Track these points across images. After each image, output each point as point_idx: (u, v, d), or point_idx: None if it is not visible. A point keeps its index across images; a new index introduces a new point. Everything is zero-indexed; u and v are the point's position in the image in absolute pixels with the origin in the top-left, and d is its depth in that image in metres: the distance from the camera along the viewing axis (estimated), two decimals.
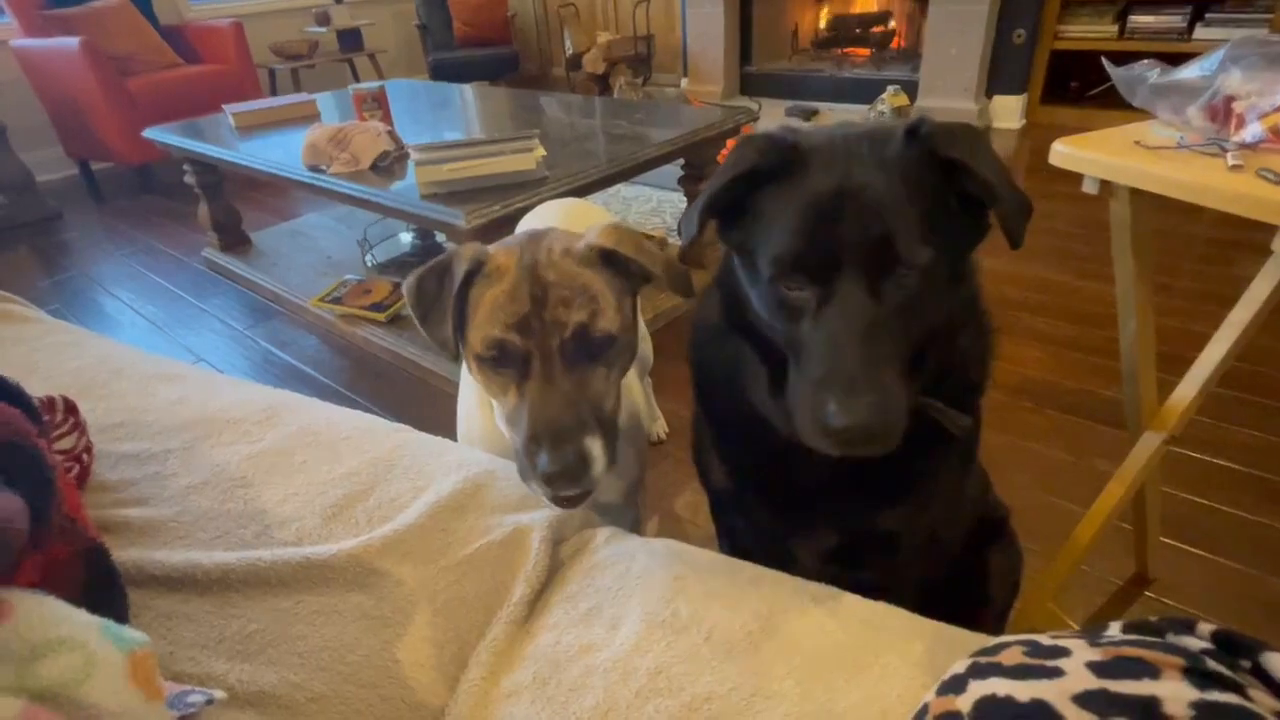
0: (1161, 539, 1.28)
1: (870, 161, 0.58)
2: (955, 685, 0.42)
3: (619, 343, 0.70)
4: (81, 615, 0.38)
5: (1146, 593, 1.24)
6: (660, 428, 1.70)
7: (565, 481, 0.62)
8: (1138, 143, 0.80)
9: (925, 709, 0.44)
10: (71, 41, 3.25)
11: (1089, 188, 0.83)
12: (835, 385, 0.55)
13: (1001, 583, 0.97)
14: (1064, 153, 0.81)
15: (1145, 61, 0.86)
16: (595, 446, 0.64)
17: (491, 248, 0.72)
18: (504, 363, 0.67)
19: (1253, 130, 0.73)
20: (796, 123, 3.94)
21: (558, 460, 0.61)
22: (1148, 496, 1.15)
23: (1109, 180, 0.80)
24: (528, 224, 1.19)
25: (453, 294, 0.68)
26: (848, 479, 0.69)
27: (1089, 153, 0.79)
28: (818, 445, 0.56)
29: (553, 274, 0.68)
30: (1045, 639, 0.42)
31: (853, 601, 0.59)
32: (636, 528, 1.10)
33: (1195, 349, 0.90)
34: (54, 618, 0.36)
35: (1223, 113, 0.76)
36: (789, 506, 0.73)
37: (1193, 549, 1.31)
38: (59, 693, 0.33)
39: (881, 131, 0.61)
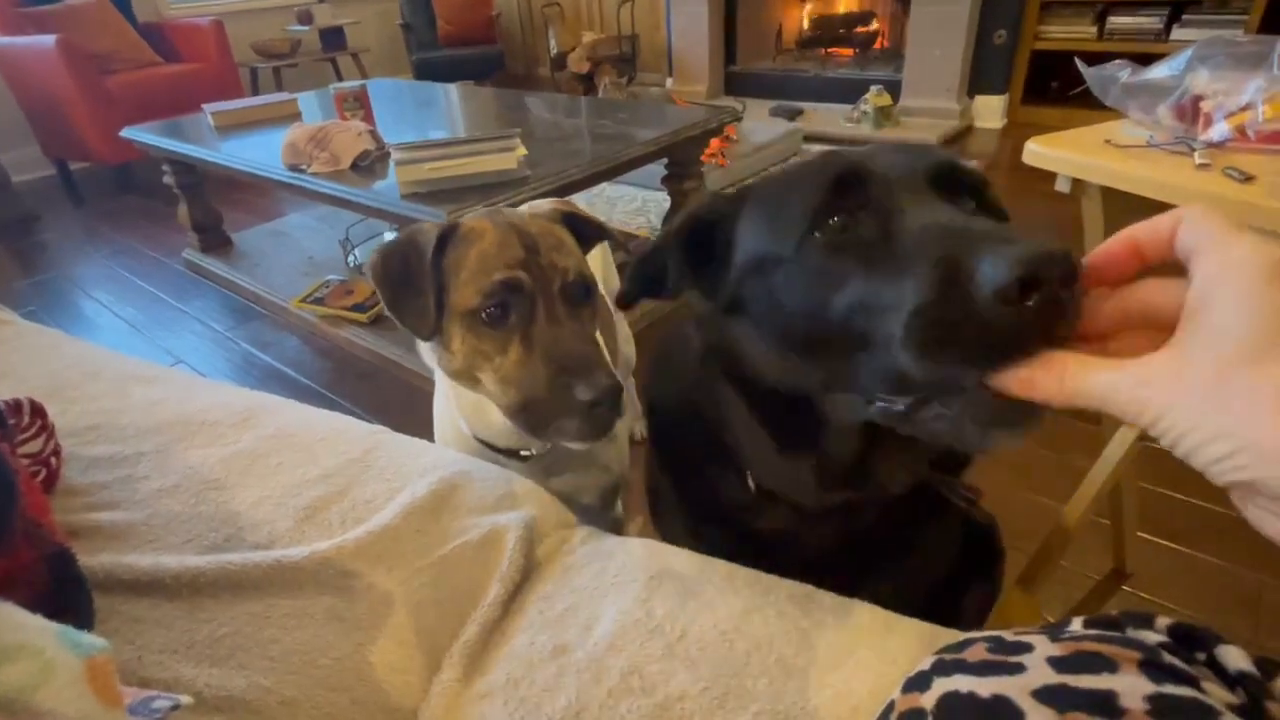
0: (1139, 534, 1.30)
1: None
2: (920, 682, 0.42)
3: (596, 291, 0.73)
4: (37, 621, 0.37)
5: (1124, 587, 1.26)
6: (643, 427, 1.70)
7: (609, 406, 0.62)
8: (1108, 142, 0.81)
9: (891, 706, 0.44)
10: (48, 39, 3.21)
11: (1061, 187, 0.84)
12: (976, 244, 0.36)
13: (980, 598, 0.96)
14: (1037, 152, 0.82)
15: (1117, 62, 0.87)
16: (616, 374, 0.65)
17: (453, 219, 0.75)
18: (504, 312, 0.67)
19: (1219, 129, 0.74)
20: (775, 128, 3.95)
21: (596, 385, 0.61)
22: (1124, 492, 1.17)
23: (1080, 179, 0.81)
24: None
25: (426, 262, 0.68)
26: (840, 554, 0.64)
27: (1061, 152, 0.80)
28: (980, 347, 0.35)
29: (534, 227, 0.70)
30: (1009, 635, 0.42)
31: (827, 599, 0.60)
32: (619, 529, 1.10)
33: None
34: (8, 624, 0.35)
35: (1191, 112, 0.77)
36: (753, 550, 0.66)
37: (1169, 543, 1.32)
38: (14, 699, 0.32)
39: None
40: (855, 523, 0.62)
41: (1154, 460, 1.48)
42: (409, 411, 1.85)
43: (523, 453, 0.85)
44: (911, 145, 0.53)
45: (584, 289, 0.71)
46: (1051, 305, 0.33)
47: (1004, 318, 0.34)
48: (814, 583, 0.63)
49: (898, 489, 0.56)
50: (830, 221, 0.45)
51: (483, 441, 0.86)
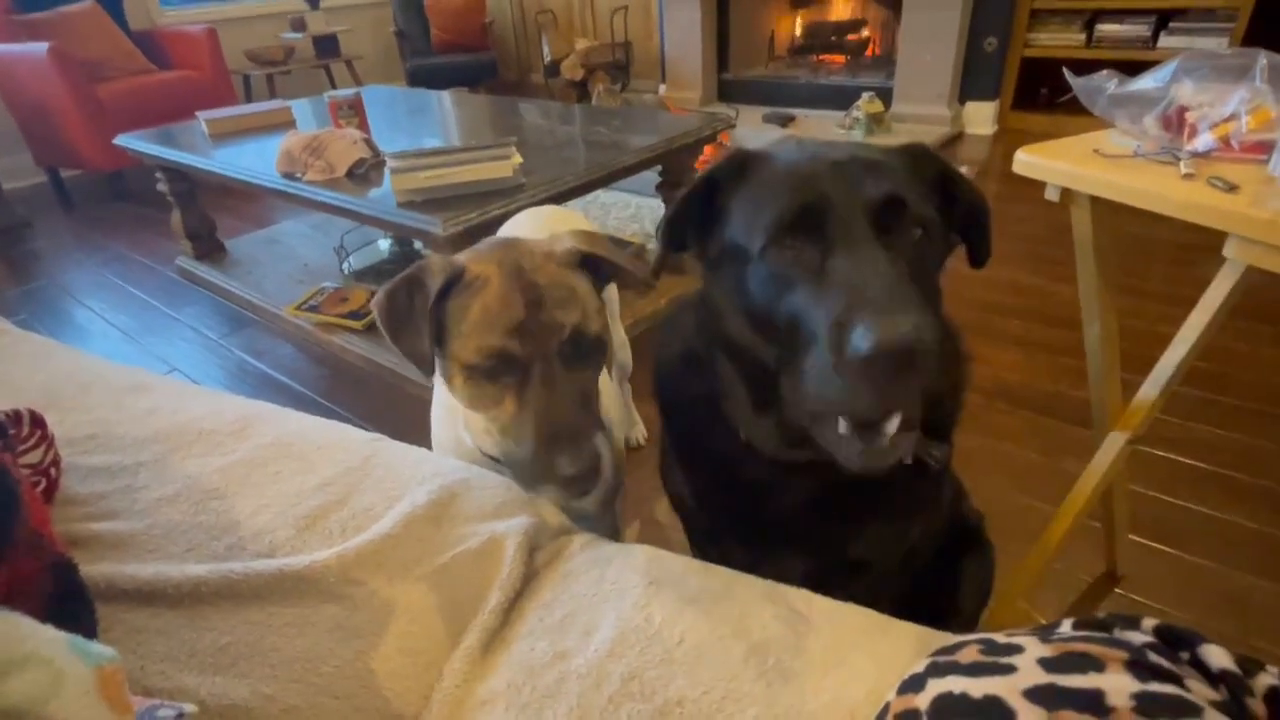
0: (1131, 537, 1.31)
1: (855, 145, 0.59)
2: (914, 684, 0.43)
3: (603, 343, 0.72)
4: (48, 631, 0.37)
5: (1116, 590, 1.27)
6: (640, 433, 1.71)
7: (585, 481, 0.64)
8: (1096, 151, 0.82)
9: (886, 708, 0.45)
10: (40, 47, 3.20)
11: (1051, 195, 0.86)
12: (862, 309, 0.46)
13: (971, 593, 0.98)
14: (1026, 161, 0.83)
15: (1105, 72, 0.89)
16: (603, 444, 0.66)
17: (462, 257, 0.72)
18: (501, 371, 0.67)
19: (1204, 140, 0.76)
20: (768, 134, 3.98)
21: (579, 461, 0.63)
22: (1115, 495, 1.18)
23: (1069, 188, 0.83)
24: (506, 232, 1.19)
25: (428, 307, 0.67)
26: (818, 508, 0.68)
27: (1050, 161, 0.82)
28: (849, 395, 0.48)
29: (542, 278, 0.68)
30: (1001, 637, 0.43)
31: (823, 603, 0.60)
32: (615, 535, 1.10)
33: (1162, 350, 0.93)
34: (19, 634, 0.36)
35: (1176, 122, 0.78)
36: (759, 535, 0.73)
37: (1161, 546, 1.34)
38: (26, 710, 0.32)
39: (854, 142, 0.63)
40: (829, 477, 0.63)
41: (1145, 464, 1.51)
42: (404, 418, 1.85)
43: None
44: (877, 161, 0.58)
45: (585, 346, 0.69)
46: (902, 370, 0.44)
47: (860, 376, 0.46)
48: (796, 533, 0.71)
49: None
50: (786, 243, 0.55)
51: (484, 452, 0.86)
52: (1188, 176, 0.73)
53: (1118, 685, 0.35)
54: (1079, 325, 1.22)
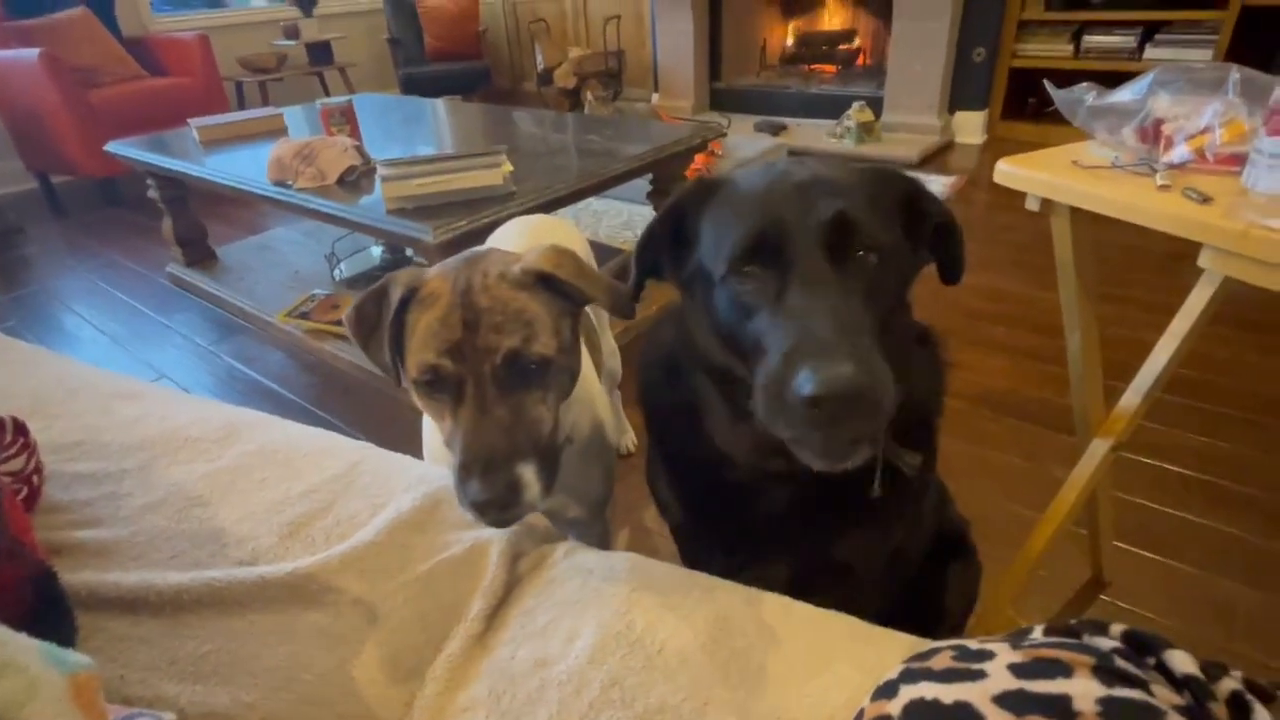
0: (1115, 543, 1.32)
1: (820, 165, 0.61)
2: (888, 690, 0.44)
3: (555, 365, 0.70)
4: (21, 639, 0.38)
5: (1102, 596, 1.28)
6: (629, 440, 1.71)
7: (494, 510, 0.62)
8: (1075, 162, 0.83)
9: (861, 714, 0.45)
10: (31, 53, 3.20)
11: (1031, 205, 0.87)
12: (806, 352, 0.49)
13: (958, 597, 0.99)
14: (1007, 172, 0.85)
15: (1084, 85, 0.90)
16: (528, 473, 0.63)
17: (430, 271, 0.72)
18: (438, 387, 0.67)
19: (1180, 152, 0.77)
20: (760, 143, 4.00)
21: (486, 489, 0.61)
22: (1100, 502, 1.19)
23: (1049, 199, 0.84)
24: (496, 241, 1.20)
25: (389, 320, 0.69)
26: (800, 513, 0.69)
27: (1030, 172, 0.83)
28: (793, 432, 0.52)
29: (485, 299, 0.68)
30: (974, 643, 0.44)
31: (804, 610, 0.61)
32: (605, 543, 1.11)
33: (1145, 358, 0.94)
34: None
35: (1153, 134, 0.80)
36: (744, 540, 0.74)
37: (1146, 552, 1.35)
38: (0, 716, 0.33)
39: (829, 160, 0.64)
40: (809, 483, 0.65)
41: (1129, 471, 1.52)
42: (394, 426, 1.85)
43: None
44: (836, 183, 0.59)
45: (523, 369, 0.68)
46: (842, 413, 0.48)
47: (803, 415, 0.49)
48: (779, 538, 0.72)
49: None
50: (744, 269, 0.57)
51: None
52: (1163, 188, 0.74)
53: (1084, 690, 0.36)
54: (1063, 332, 1.22)
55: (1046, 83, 0.94)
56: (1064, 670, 0.38)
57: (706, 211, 0.63)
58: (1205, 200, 0.70)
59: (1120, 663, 0.38)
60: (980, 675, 0.40)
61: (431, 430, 0.95)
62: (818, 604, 0.73)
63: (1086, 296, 0.96)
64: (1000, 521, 1.41)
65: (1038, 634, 0.43)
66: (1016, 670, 0.39)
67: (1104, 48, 3.56)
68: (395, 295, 0.69)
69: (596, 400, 0.97)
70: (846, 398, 0.48)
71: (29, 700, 0.34)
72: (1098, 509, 1.21)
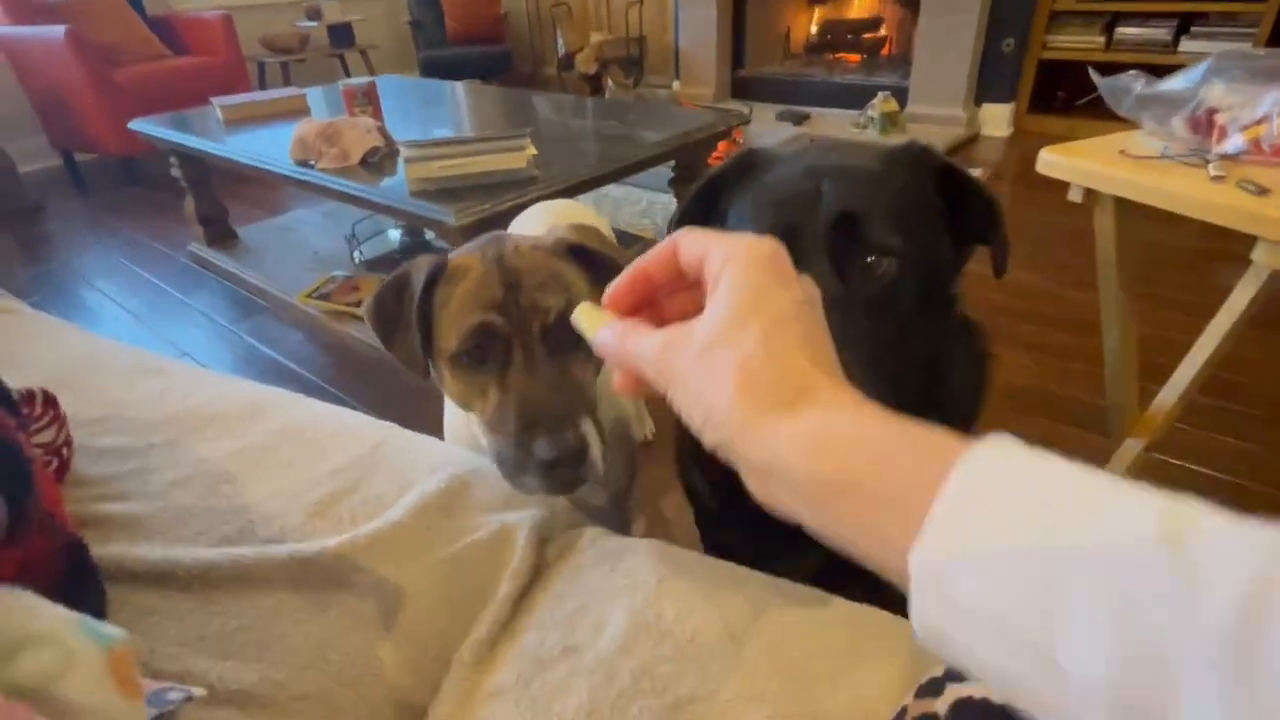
0: None
1: (851, 155, 0.58)
2: (933, 688, 0.43)
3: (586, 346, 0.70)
4: (58, 610, 0.37)
5: None
6: (647, 428, 1.70)
7: (567, 468, 0.60)
8: (1123, 152, 0.81)
9: (904, 712, 0.44)
10: (57, 30, 3.21)
11: (1074, 196, 0.84)
12: None
13: None
14: (1051, 161, 0.82)
15: (1131, 73, 0.87)
16: (591, 431, 0.63)
17: (453, 252, 0.71)
18: (483, 356, 0.65)
19: (1234, 142, 0.75)
20: (782, 132, 3.97)
21: (558, 444, 0.59)
22: None
23: (1094, 189, 0.81)
24: (517, 227, 1.19)
25: (415, 304, 0.67)
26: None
27: (1075, 161, 0.80)
28: None
29: (522, 263, 0.67)
30: None
31: (838, 604, 0.60)
32: (624, 531, 1.10)
33: (1176, 357, 0.92)
34: (30, 612, 0.35)
35: (1205, 124, 0.77)
36: (775, 528, 0.72)
37: None
38: (35, 689, 0.32)
39: (871, 142, 0.62)
40: None
41: (1158, 472, 1.49)
42: (412, 409, 1.84)
43: None
44: (849, 175, 0.57)
45: (572, 332, 0.68)
46: None
47: None
48: (790, 530, 0.67)
49: None
50: None
51: None
52: (1217, 179, 0.71)
53: None
54: (1091, 331, 1.21)
55: (1091, 70, 0.91)
56: None
57: (738, 194, 0.61)
58: (1262, 192, 0.68)
59: None
60: None
61: (453, 412, 0.94)
62: (847, 596, 0.72)
63: (1128, 292, 0.93)
64: None
65: None
66: None
67: (1137, 40, 3.48)
68: (419, 278, 0.67)
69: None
70: None
71: (66, 672, 0.33)
72: None
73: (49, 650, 0.34)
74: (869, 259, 0.54)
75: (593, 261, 0.73)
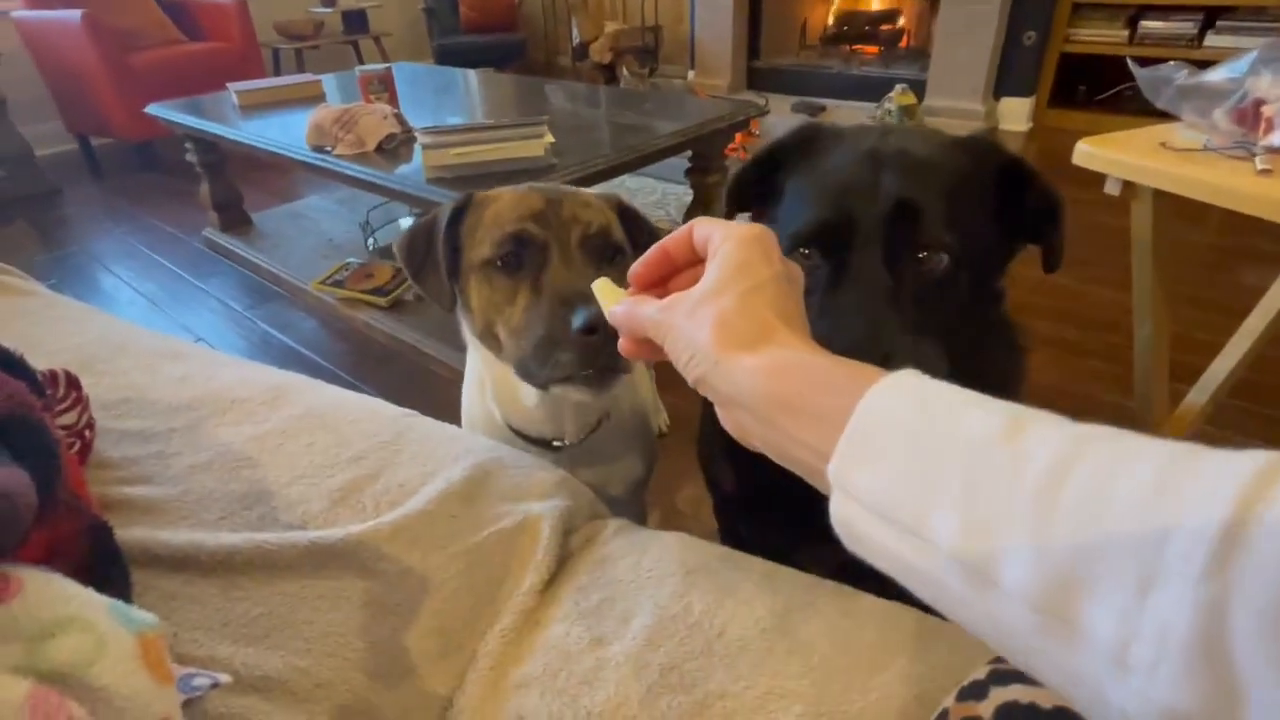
0: None
1: (915, 141, 0.57)
2: (976, 691, 0.42)
3: (628, 263, 0.70)
4: (88, 594, 0.36)
5: None
6: (663, 420, 1.69)
7: (604, 338, 0.57)
8: (1164, 144, 0.79)
9: (945, 714, 0.43)
10: (74, 14, 3.21)
11: (1111, 189, 0.82)
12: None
13: None
14: (1089, 153, 0.80)
15: (1172, 63, 0.85)
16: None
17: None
18: (518, 262, 0.65)
19: None
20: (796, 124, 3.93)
21: (595, 314, 0.56)
22: None
23: (1133, 182, 0.79)
24: None
25: (441, 232, 0.68)
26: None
27: (1115, 154, 0.78)
28: None
29: (564, 189, 0.69)
30: None
31: (869, 601, 0.59)
32: (640, 523, 1.09)
33: (1198, 356, 0.90)
34: (62, 596, 0.35)
35: (1251, 116, 0.75)
36: (798, 518, 0.72)
37: None
38: (68, 674, 0.31)
39: (938, 131, 0.60)
40: None
41: None
42: (427, 396, 1.84)
43: (554, 443, 0.84)
44: (910, 165, 0.55)
45: (609, 246, 0.67)
46: None
47: None
48: (816, 520, 0.68)
49: None
50: (804, 251, 0.57)
51: (514, 430, 0.85)
52: (1264, 172, 0.70)
53: None
54: (1110, 328, 1.18)
55: (1131, 62, 0.89)
56: None
57: (797, 169, 0.60)
58: None
59: None
60: None
61: (470, 398, 0.93)
62: (870, 589, 0.71)
63: (1162, 286, 0.91)
64: None
65: None
66: None
67: (1161, 34, 3.42)
68: (445, 211, 0.70)
69: (639, 380, 0.95)
70: None
71: (98, 658, 0.33)
72: None
73: (81, 635, 0.33)
74: (922, 254, 0.53)
75: (631, 223, 0.74)
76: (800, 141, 0.62)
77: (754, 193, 0.66)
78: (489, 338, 0.73)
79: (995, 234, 0.58)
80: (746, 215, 0.69)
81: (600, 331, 0.58)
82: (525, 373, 0.67)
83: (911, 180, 0.54)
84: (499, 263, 0.66)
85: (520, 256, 0.65)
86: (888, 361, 0.47)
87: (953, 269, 0.54)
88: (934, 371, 0.54)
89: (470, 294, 0.71)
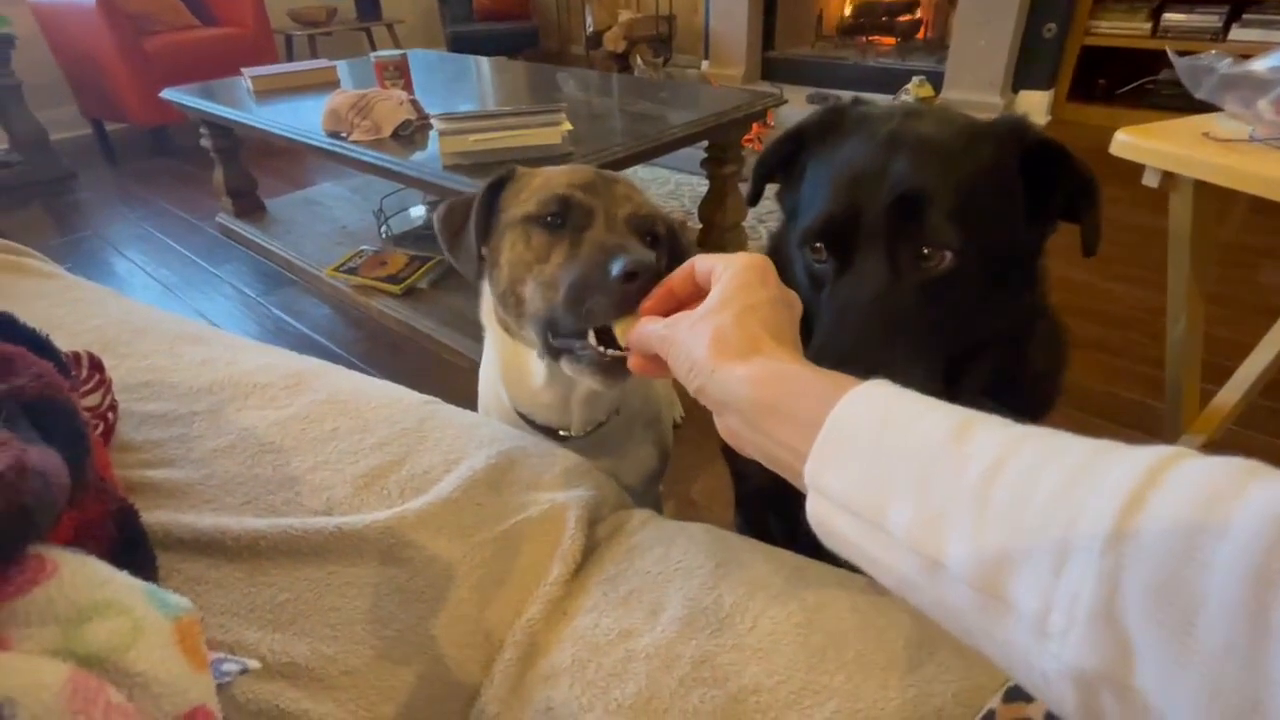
0: None
1: (935, 128, 0.55)
2: (1025, 692, 0.40)
3: (677, 246, 0.70)
4: (124, 578, 0.36)
5: None
6: (677, 411, 1.68)
7: (645, 284, 0.54)
8: (1206, 135, 0.77)
9: (991, 715, 0.42)
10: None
11: (1149, 180, 0.81)
12: (825, 356, 0.49)
13: None
14: (1128, 143, 0.78)
15: (1213, 53, 0.83)
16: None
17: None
18: (559, 222, 0.64)
19: None
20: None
21: (637, 261, 0.54)
22: None
23: (1173, 173, 0.78)
24: None
25: (479, 202, 0.69)
26: None
27: (1155, 144, 0.77)
28: None
29: (610, 177, 0.68)
30: None
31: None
32: (658, 511, 1.08)
33: (1221, 354, 0.88)
34: (98, 579, 0.34)
35: None
36: None
37: None
38: (105, 658, 0.31)
39: (960, 111, 0.59)
40: None
41: None
42: (439, 384, 1.83)
43: (560, 432, 0.83)
44: (926, 153, 0.54)
45: (652, 232, 0.66)
46: None
47: None
48: None
49: None
50: (815, 245, 0.57)
51: (523, 416, 0.84)
52: None
53: None
54: (1133, 325, 1.15)
55: (1170, 51, 0.87)
56: None
57: (819, 152, 0.60)
58: None
59: None
60: None
61: (485, 381, 0.93)
62: None
63: (1198, 281, 0.89)
64: None
65: None
66: None
67: (1185, 27, 3.37)
68: (485, 183, 0.70)
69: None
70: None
71: (134, 643, 0.32)
72: None
73: (118, 619, 0.32)
74: (925, 249, 0.52)
75: (672, 243, 0.73)
76: (823, 124, 0.61)
77: (779, 170, 0.66)
78: (510, 298, 0.70)
79: (1020, 221, 0.56)
80: (775, 186, 0.68)
81: (640, 280, 0.54)
82: (551, 326, 0.64)
83: (920, 171, 0.52)
84: (543, 219, 0.65)
85: (564, 217, 0.64)
86: (873, 373, 0.47)
87: (958, 265, 0.52)
88: (928, 376, 0.54)
89: (502, 250, 0.69)
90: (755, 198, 0.69)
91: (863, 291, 0.53)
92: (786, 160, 0.64)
